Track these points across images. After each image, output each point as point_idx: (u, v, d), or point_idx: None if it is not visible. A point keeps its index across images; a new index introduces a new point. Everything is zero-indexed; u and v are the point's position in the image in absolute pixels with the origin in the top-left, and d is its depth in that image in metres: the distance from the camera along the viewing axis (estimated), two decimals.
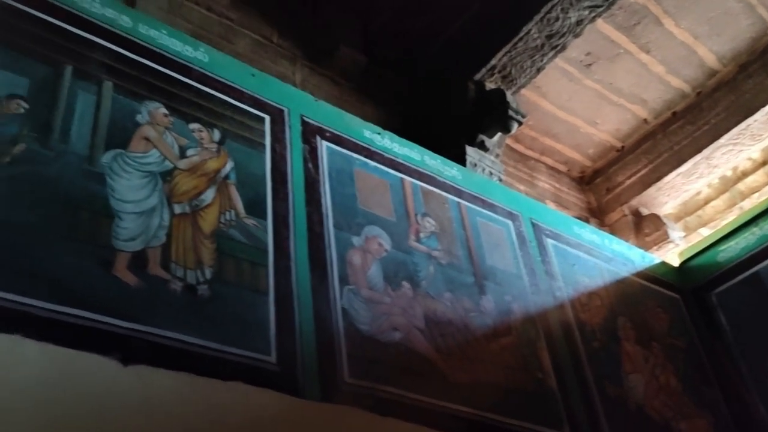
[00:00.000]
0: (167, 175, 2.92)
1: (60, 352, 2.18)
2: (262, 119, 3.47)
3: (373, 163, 3.83)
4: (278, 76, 4.18)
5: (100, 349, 2.26)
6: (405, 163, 3.99)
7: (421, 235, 3.73)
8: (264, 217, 3.11)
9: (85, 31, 3.00)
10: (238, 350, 2.62)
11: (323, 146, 3.63)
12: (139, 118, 2.98)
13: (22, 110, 2.62)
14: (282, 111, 3.58)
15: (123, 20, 3.19)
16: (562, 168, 6.64)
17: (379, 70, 4.95)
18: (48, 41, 2.85)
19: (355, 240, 3.40)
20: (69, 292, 2.32)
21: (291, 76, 4.54)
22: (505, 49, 4.67)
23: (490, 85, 4.83)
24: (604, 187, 6.81)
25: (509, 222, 4.26)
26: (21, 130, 2.57)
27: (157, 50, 3.24)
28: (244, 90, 3.48)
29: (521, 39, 4.64)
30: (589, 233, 4.85)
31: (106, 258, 2.51)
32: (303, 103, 3.77)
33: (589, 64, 5.68)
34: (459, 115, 4.74)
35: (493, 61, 4.72)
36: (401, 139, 4.10)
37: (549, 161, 6.49)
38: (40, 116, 2.66)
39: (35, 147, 2.58)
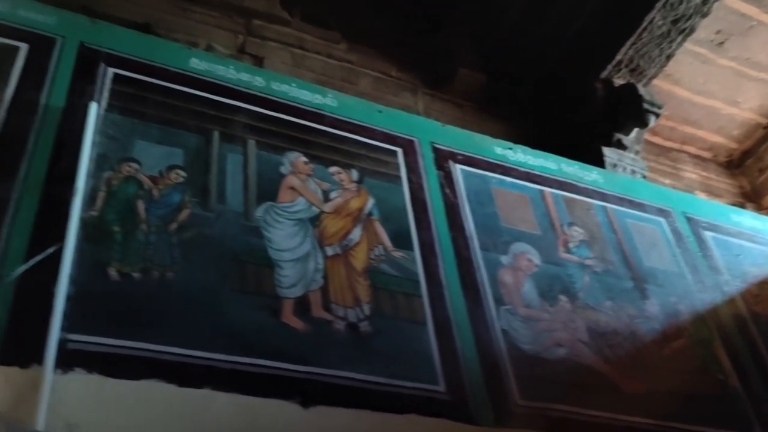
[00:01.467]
0: (315, 220, 3.03)
1: (246, 401, 2.31)
2: (395, 152, 3.54)
3: (509, 179, 3.80)
4: (402, 108, 4.25)
5: (281, 395, 2.37)
6: (542, 174, 3.92)
7: (570, 245, 3.63)
8: (411, 248, 3.15)
9: (227, 97, 3.21)
10: (408, 383, 2.66)
11: (457, 170, 3.64)
12: (282, 169, 3.13)
13: (182, 179, 2.83)
14: (412, 141, 3.64)
15: (257, 81, 3.38)
16: (707, 155, 6.23)
17: (499, 85, 4.92)
18: (196, 112, 3.08)
19: (504, 259, 3.37)
20: (246, 343, 2.46)
21: (414, 105, 4.61)
22: (629, 42, 4.49)
23: (618, 81, 4.66)
24: (756, 168, 6.33)
25: (661, 219, 4.06)
26: (184, 197, 2.78)
27: (291, 103, 3.40)
28: (374, 127, 3.57)
29: (645, 29, 4.44)
30: (749, 219, 4.53)
31: (274, 306, 2.64)
32: (431, 130, 3.81)
33: (721, 42, 5.34)
34: (590, 116, 4.59)
35: (619, 57, 4.54)
36: (534, 150, 4.04)
37: (692, 150, 6.12)
38: (197, 182, 2.87)
39: (198, 211, 2.77)
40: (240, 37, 4.20)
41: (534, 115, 4.97)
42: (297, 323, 2.63)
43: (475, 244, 3.33)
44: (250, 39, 4.21)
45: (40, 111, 2.71)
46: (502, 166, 3.84)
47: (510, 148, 3.98)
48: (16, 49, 2.86)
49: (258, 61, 4.13)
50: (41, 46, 2.92)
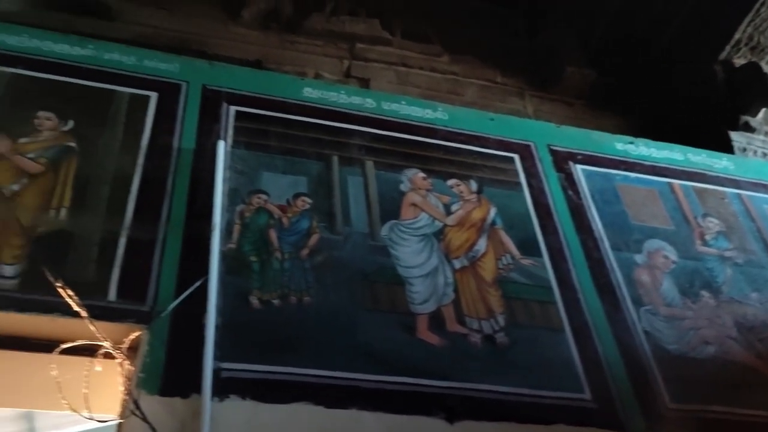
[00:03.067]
0: (440, 234, 3.03)
1: (392, 419, 2.33)
2: (511, 159, 3.49)
3: (634, 175, 3.66)
4: (511, 113, 4.19)
5: (426, 411, 2.37)
6: (668, 166, 3.75)
7: (707, 237, 3.44)
8: (539, 254, 3.09)
9: (341, 122, 3.28)
10: (552, 392, 2.59)
11: (578, 170, 3.54)
12: (402, 187, 3.15)
13: (308, 205, 2.92)
14: (528, 146, 3.58)
15: (368, 102, 3.44)
16: None
17: (609, 79, 4.76)
18: (314, 139, 3.17)
19: (638, 258, 3.24)
20: (386, 361, 2.48)
21: (523, 109, 4.54)
22: (747, 20, 4.22)
23: (739, 61, 4.39)
24: None
25: None
26: (312, 223, 2.86)
27: (403, 121, 3.44)
28: (487, 136, 3.55)
29: (764, 4, 4.17)
30: None
31: (409, 323, 2.65)
32: (546, 132, 3.73)
33: None
34: (712, 101, 4.35)
35: (737, 36, 4.28)
36: (657, 142, 3.87)
37: None
38: (322, 207, 2.94)
39: (326, 235, 2.84)
40: (345, 62, 4.29)
41: (650, 106, 4.76)
42: (433, 339, 2.63)
43: (605, 245, 3.22)
44: (354, 63, 4.30)
45: (174, 154, 2.87)
46: (625, 161, 3.71)
47: (631, 143, 3.83)
48: (147, 98, 3.05)
49: (364, 83, 4.20)
50: (168, 92, 3.10)
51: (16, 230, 2.43)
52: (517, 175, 3.41)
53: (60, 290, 2.17)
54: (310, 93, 3.37)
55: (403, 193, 3.13)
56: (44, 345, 2.31)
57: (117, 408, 2.24)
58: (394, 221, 3.00)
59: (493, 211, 3.20)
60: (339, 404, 2.32)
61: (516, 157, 3.50)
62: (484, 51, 4.73)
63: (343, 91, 3.46)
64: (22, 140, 2.72)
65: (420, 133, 3.41)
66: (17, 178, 2.59)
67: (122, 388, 2.12)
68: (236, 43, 4.11)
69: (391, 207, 3.06)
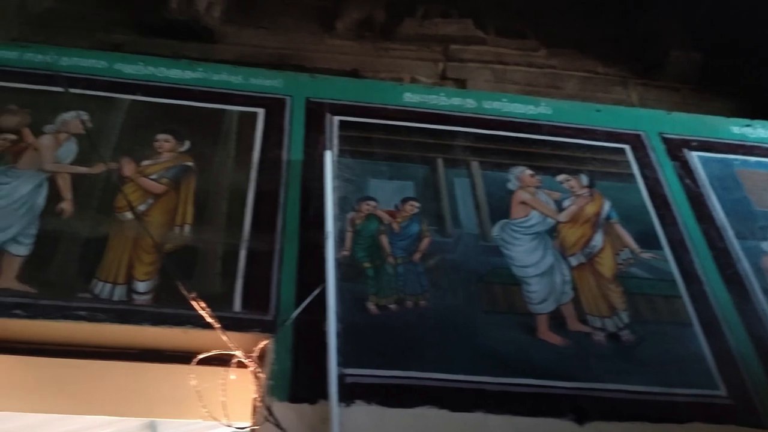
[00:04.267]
0: (553, 231, 2.96)
1: (519, 422, 2.29)
2: (622, 150, 3.38)
3: (754, 159, 3.46)
4: (615, 104, 4.05)
5: (554, 413, 2.32)
6: None
7: None
8: (659, 246, 2.96)
9: (443, 124, 3.28)
10: (684, 389, 2.48)
11: (694, 157, 3.38)
12: (510, 185, 3.10)
13: (417, 209, 2.92)
14: (638, 135, 3.45)
15: (468, 103, 3.42)
16: None
17: (717, 61, 4.52)
18: (418, 144, 3.18)
19: (765, 246, 3.05)
20: (508, 363, 2.44)
21: (627, 99, 4.38)
22: None
23: None
24: None
25: None
26: (422, 227, 2.86)
27: (505, 119, 3.39)
28: (594, 128, 3.45)
29: None
30: None
31: (529, 324, 2.60)
32: (656, 120, 3.59)
33: None
34: None
35: None
36: None
37: None
38: (431, 210, 2.93)
39: (437, 238, 2.84)
40: (440, 65, 4.27)
41: (763, 85, 4.48)
42: (555, 339, 2.57)
43: (729, 233, 3.05)
44: (449, 64, 4.27)
45: (284, 166, 2.95)
46: (743, 145, 3.51)
47: (748, 125, 3.63)
48: (255, 114, 3.15)
49: (461, 84, 4.17)
50: (274, 107, 3.19)
51: (147, 248, 2.56)
52: (629, 166, 3.30)
53: (194, 303, 2.26)
54: (411, 98, 3.38)
55: (511, 192, 3.08)
56: (177, 356, 2.42)
57: (247, 415, 2.32)
58: (505, 221, 2.96)
59: (607, 205, 3.10)
60: (464, 407, 2.30)
61: (627, 147, 3.38)
62: (582, 41, 4.59)
63: (443, 94, 3.45)
64: (145, 162, 2.87)
65: (524, 130, 3.36)
66: (144, 198, 2.73)
67: (255, 396, 2.18)
68: (333, 54, 4.17)
69: (500, 206, 3.02)
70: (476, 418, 2.28)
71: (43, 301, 2.34)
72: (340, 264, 2.63)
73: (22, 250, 2.48)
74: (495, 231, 2.91)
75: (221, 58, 3.85)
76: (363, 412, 2.24)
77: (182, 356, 2.39)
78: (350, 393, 2.26)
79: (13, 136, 2.85)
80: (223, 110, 3.14)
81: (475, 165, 3.15)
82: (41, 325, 2.33)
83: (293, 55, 4.09)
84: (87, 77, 3.12)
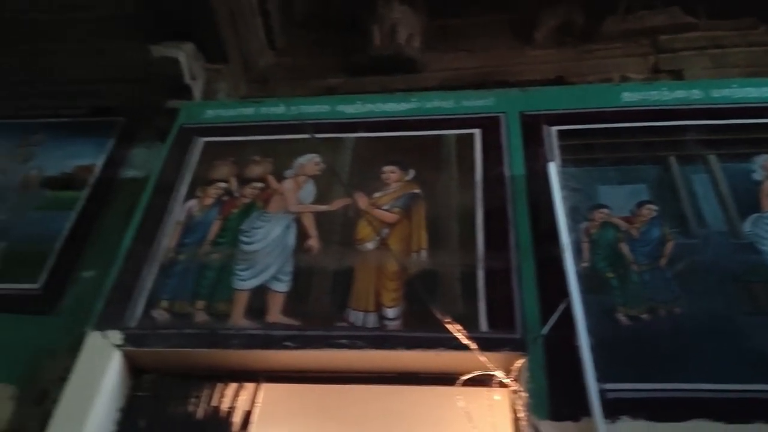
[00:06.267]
0: None
1: None
2: None
3: None
4: None
5: None
6: None
7: None
8: None
9: (670, 120, 3.09)
10: None
11: None
12: (755, 176, 2.86)
13: (655, 212, 2.78)
14: None
15: (694, 94, 3.22)
16: None
17: None
18: (644, 143, 3.02)
19: None
20: None
21: None
22: None
23: None
24: None
25: None
26: (663, 230, 2.71)
27: (739, 105, 3.13)
28: None
29: None
30: None
31: None
32: None
33: None
34: None
35: None
36: None
37: None
38: (671, 211, 2.77)
39: (681, 240, 2.67)
40: (650, 58, 4.06)
41: None
42: None
43: None
44: (661, 56, 4.04)
45: (507, 182, 2.95)
46: None
47: None
48: (471, 135, 3.19)
49: (677, 76, 3.92)
50: (490, 126, 3.21)
51: (390, 275, 2.68)
52: None
53: (448, 326, 2.33)
54: (630, 97, 3.23)
55: (758, 183, 2.83)
56: (431, 378, 2.50)
57: None
58: (757, 214, 2.71)
59: None
60: (740, 419, 2.14)
61: None
62: None
63: (664, 88, 3.27)
64: (376, 195, 3.02)
65: (763, 115, 3.07)
66: (379, 229, 2.86)
67: (519, 415, 2.18)
68: (535, 65, 4.13)
69: (747, 199, 2.77)
70: (756, 429, 2.10)
71: (308, 332, 2.54)
72: (581, 276, 2.56)
73: (282, 286, 2.72)
74: (747, 227, 2.68)
75: (426, 85, 3.96)
76: (630, 428, 2.16)
77: (436, 378, 2.47)
78: (614, 409, 2.19)
79: (260, 184, 3.15)
80: (440, 136, 3.22)
81: (712, 159, 2.94)
82: (307, 354, 2.52)
83: (495, 71, 4.10)
84: (315, 122, 3.36)
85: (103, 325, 2.66)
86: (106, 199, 3.50)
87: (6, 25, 4.14)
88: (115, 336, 2.61)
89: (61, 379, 2.61)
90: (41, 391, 2.71)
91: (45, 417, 2.52)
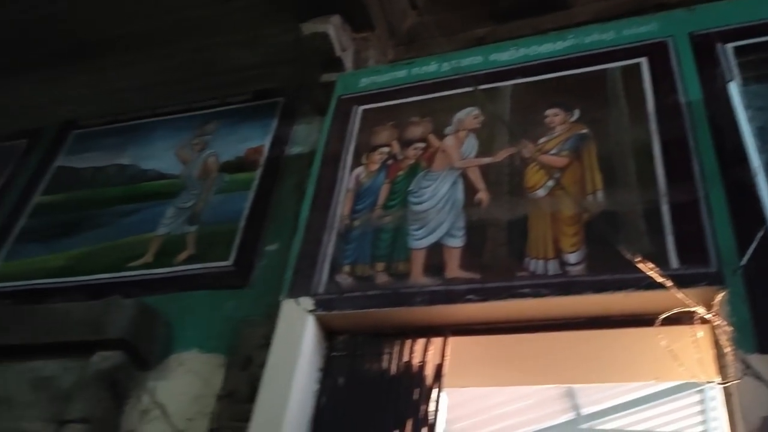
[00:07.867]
0: None
1: None
2: None
3: None
4: None
5: None
6: None
7: None
8: None
9: None
10: None
11: None
12: None
13: None
14: None
15: None
16: None
17: None
18: None
19: None
20: None
21: None
22: None
23: None
24: None
25: None
26: None
27: None
28: None
29: None
30: None
31: None
32: None
33: None
34: None
35: None
36: None
37: None
38: None
39: None
40: None
41: None
42: None
43: None
44: None
45: (684, 109, 2.76)
46: None
47: None
48: (638, 65, 3.01)
49: None
50: (657, 52, 3.01)
51: (566, 220, 2.62)
52: None
53: (640, 266, 2.24)
54: None
55: None
56: (621, 321, 2.43)
57: (709, 371, 2.21)
58: None
59: None
60: None
61: None
62: None
63: None
64: (542, 140, 2.94)
65: None
66: (549, 175, 2.80)
67: (725, 350, 2.06)
68: None
69: None
70: None
71: (489, 284, 2.55)
72: None
73: (457, 242, 2.74)
74: None
75: (579, 21, 3.77)
76: None
77: (628, 320, 2.40)
78: None
79: (422, 144, 3.17)
80: (604, 70, 3.07)
81: None
82: (491, 306, 2.53)
83: None
84: (470, 75, 3.32)
85: (294, 293, 2.82)
86: (277, 176, 3.71)
87: (167, 28, 4.45)
88: (307, 302, 2.76)
89: (261, 346, 2.82)
90: (246, 358, 2.93)
91: (251, 380, 2.75)
